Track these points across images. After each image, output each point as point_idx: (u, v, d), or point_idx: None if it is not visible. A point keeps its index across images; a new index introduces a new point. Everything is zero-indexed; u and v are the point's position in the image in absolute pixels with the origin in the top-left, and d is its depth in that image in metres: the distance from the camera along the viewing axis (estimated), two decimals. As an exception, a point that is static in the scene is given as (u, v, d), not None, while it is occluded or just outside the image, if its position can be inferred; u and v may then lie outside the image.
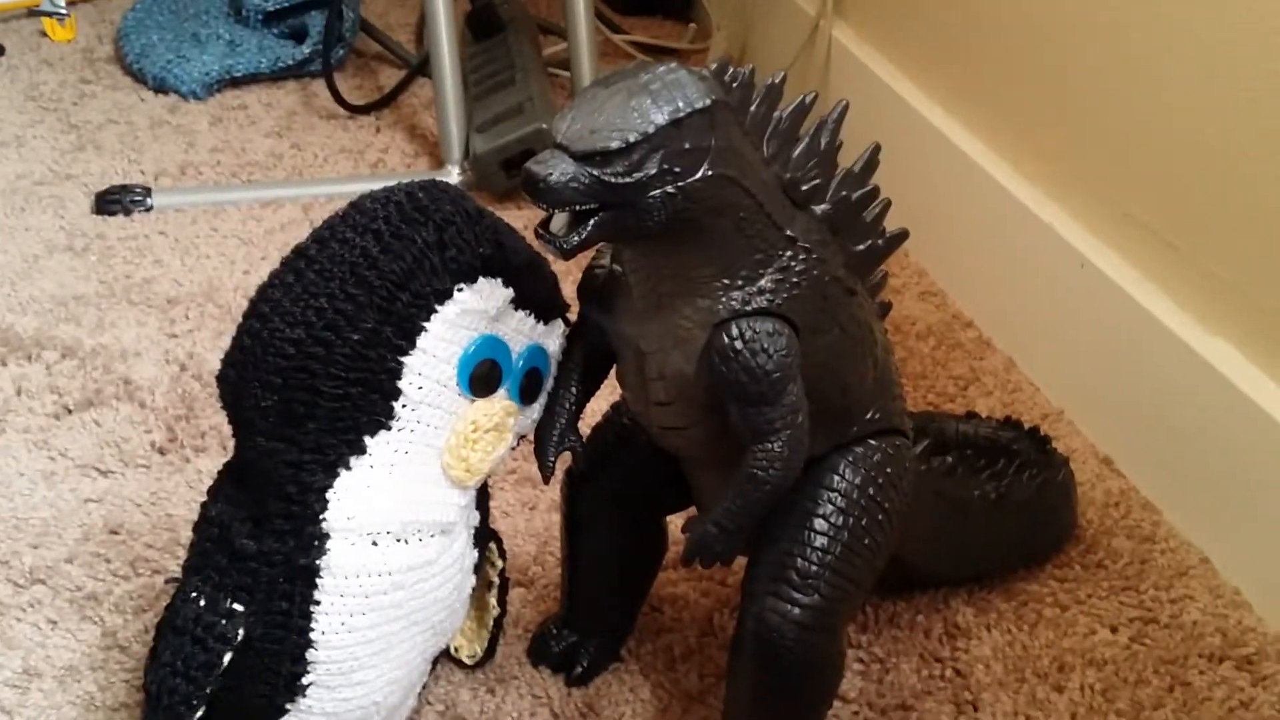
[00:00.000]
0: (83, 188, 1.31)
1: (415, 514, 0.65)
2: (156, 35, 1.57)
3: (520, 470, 0.94)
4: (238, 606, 0.63)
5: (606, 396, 0.72)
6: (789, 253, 0.61)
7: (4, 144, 1.39)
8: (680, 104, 0.56)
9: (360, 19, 1.61)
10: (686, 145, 0.57)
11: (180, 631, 0.63)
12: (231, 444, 0.66)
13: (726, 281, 0.61)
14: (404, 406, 0.63)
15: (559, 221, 0.58)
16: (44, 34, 1.63)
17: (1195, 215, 0.90)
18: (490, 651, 0.79)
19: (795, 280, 0.61)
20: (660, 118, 0.56)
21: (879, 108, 1.24)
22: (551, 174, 0.56)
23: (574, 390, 0.69)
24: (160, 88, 1.51)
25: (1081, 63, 1.00)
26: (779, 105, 0.63)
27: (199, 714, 0.63)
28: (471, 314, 0.63)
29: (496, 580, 0.77)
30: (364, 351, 0.61)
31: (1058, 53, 1.02)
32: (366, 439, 0.63)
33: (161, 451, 0.97)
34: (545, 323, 0.68)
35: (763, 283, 0.61)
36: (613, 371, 0.69)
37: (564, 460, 0.71)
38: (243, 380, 0.63)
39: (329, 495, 0.63)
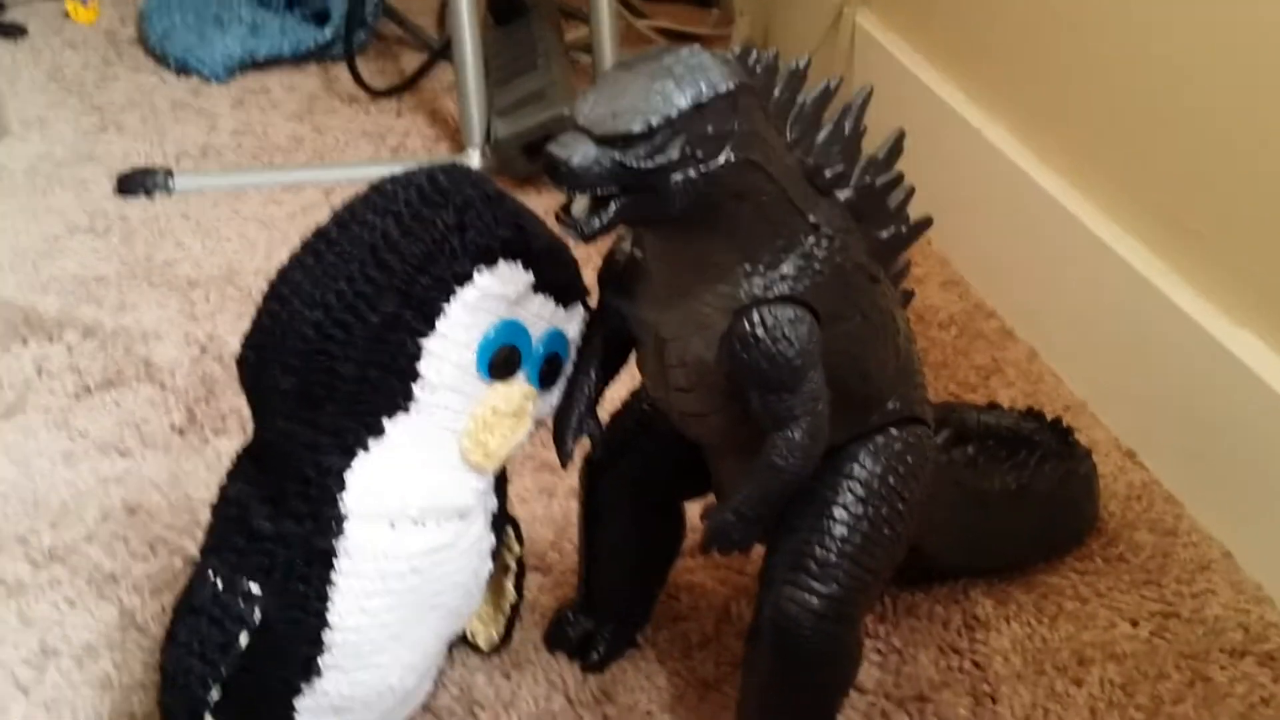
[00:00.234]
0: (105, 169, 1.32)
1: (433, 498, 0.65)
2: (179, 17, 1.57)
3: (538, 456, 0.93)
4: (255, 588, 0.63)
5: (626, 383, 0.72)
6: (811, 239, 0.61)
7: (27, 125, 1.39)
8: (703, 87, 0.56)
9: (382, 2, 1.61)
10: (709, 129, 0.56)
11: (197, 612, 0.63)
12: (251, 426, 0.66)
13: (748, 267, 0.60)
14: (423, 390, 0.63)
15: (580, 205, 0.58)
16: (67, 15, 1.63)
17: (1220, 206, 0.89)
18: (507, 637, 0.79)
19: (817, 267, 0.61)
20: (683, 101, 0.55)
21: (902, 94, 1.23)
22: (573, 157, 0.55)
23: (593, 375, 0.69)
24: (182, 70, 1.52)
25: (1107, 51, 0.99)
26: (802, 90, 0.63)
27: (214, 694, 0.63)
28: (491, 297, 0.63)
29: (514, 566, 0.77)
30: (383, 334, 0.61)
31: (1082, 40, 1.02)
32: (385, 422, 0.63)
33: (181, 433, 0.97)
34: (565, 307, 0.67)
35: (784, 269, 0.60)
36: (632, 357, 0.69)
37: (582, 446, 0.71)
38: (262, 362, 0.63)
39: (347, 477, 0.63)
